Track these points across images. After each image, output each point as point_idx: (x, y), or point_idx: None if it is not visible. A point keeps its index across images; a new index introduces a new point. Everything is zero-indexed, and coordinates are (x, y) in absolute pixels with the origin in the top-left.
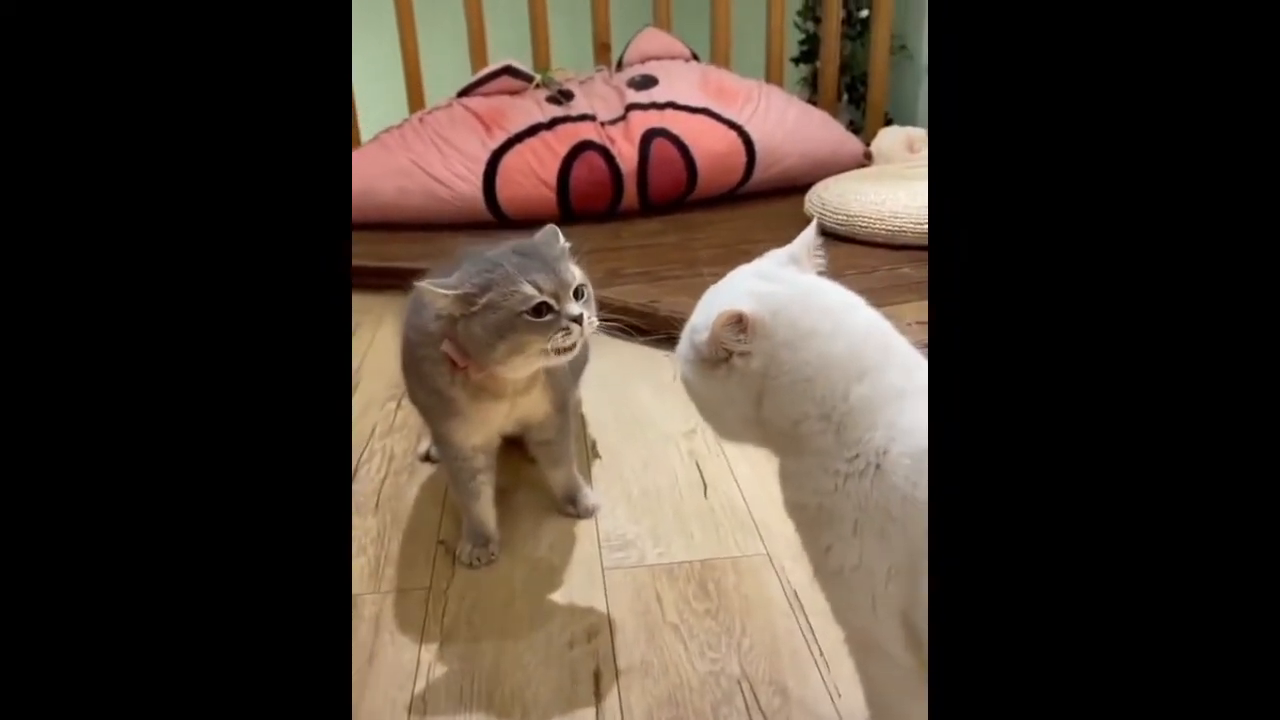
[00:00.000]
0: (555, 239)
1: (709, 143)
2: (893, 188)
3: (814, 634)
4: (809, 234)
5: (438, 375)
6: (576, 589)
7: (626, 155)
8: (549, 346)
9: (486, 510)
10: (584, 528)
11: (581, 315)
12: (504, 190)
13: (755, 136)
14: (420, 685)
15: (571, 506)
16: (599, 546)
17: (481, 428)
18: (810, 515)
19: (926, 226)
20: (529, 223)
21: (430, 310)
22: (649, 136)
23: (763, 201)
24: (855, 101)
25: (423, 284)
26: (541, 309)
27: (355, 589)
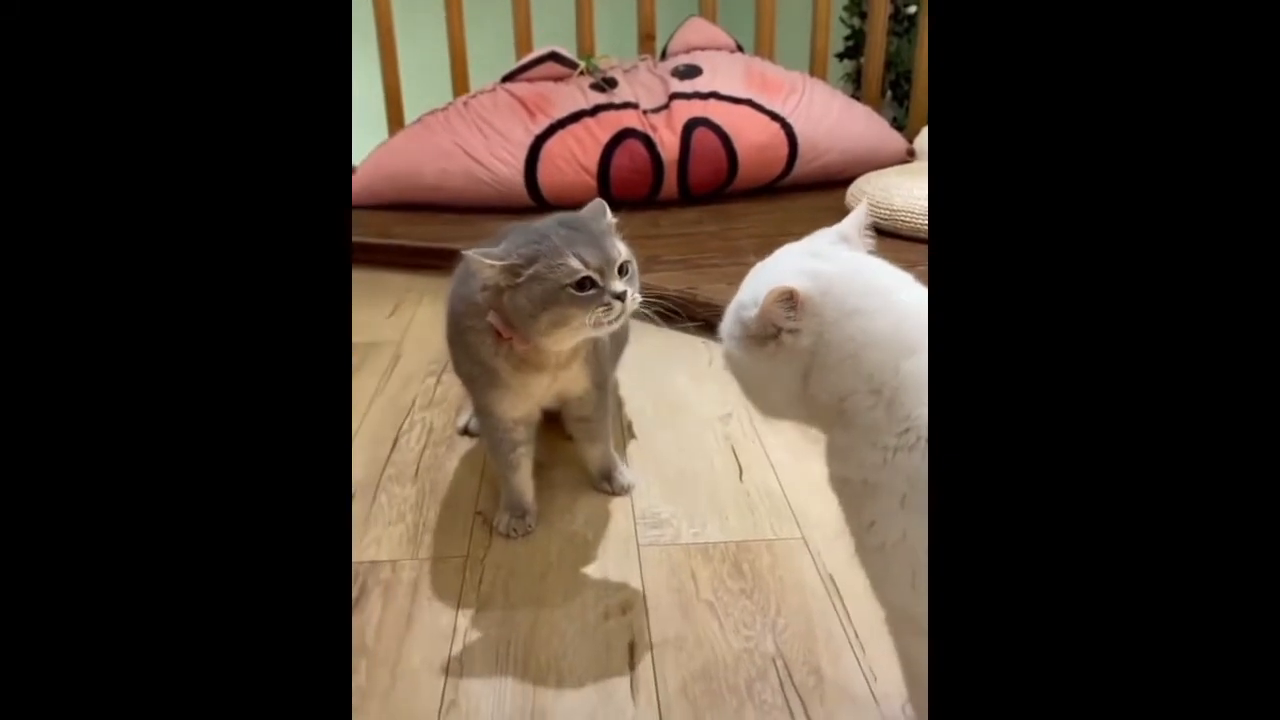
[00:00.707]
0: (603, 214)
1: (751, 134)
2: None
3: (849, 617)
4: (860, 213)
5: (482, 346)
6: (611, 564)
7: (668, 144)
8: (590, 321)
9: (525, 482)
10: (619, 505)
11: (625, 292)
12: (545, 175)
13: (798, 129)
14: (457, 648)
15: (607, 484)
16: (634, 523)
17: (523, 400)
18: (856, 489)
19: None
20: (569, 208)
21: (476, 280)
22: (691, 125)
23: (803, 194)
24: (899, 99)
25: (470, 252)
26: (585, 283)
27: (393, 555)
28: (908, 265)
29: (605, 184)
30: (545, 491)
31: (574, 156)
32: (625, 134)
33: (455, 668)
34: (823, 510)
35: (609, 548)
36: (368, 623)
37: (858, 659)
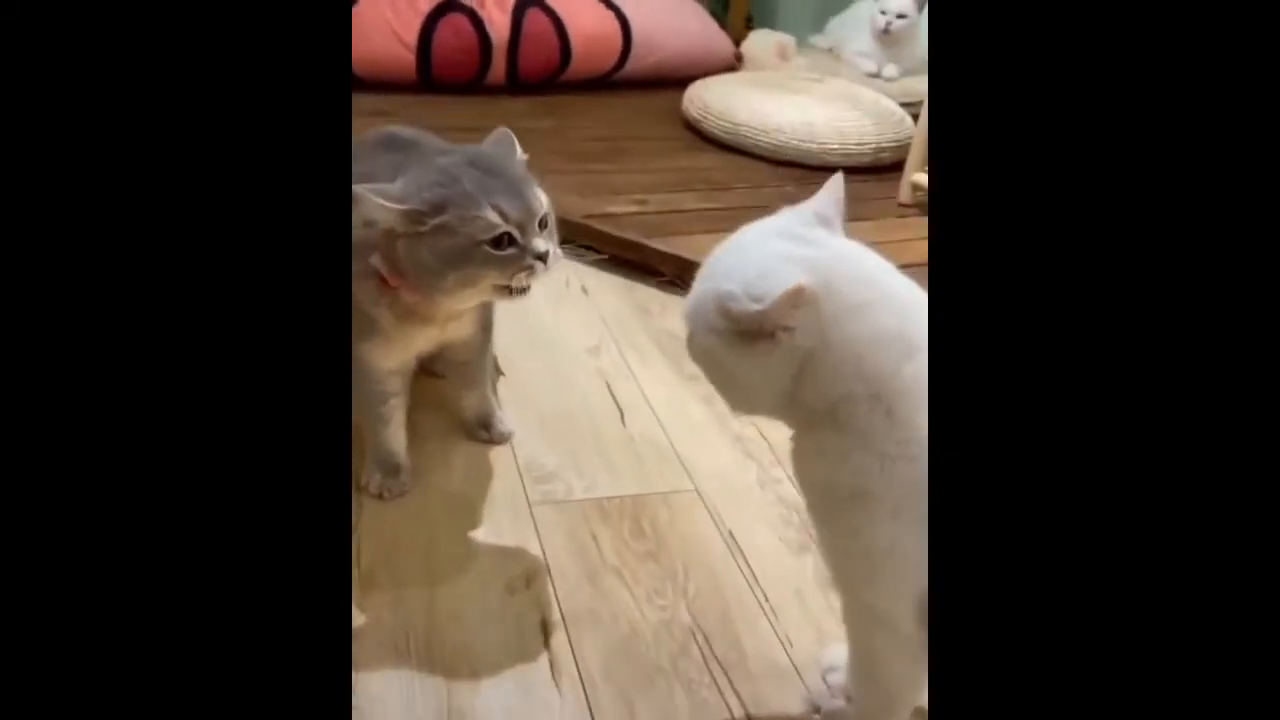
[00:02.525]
0: (512, 147)
1: (585, 21)
2: (777, 99)
3: (755, 577)
4: (837, 188)
5: (362, 291)
6: (505, 526)
7: (498, 24)
8: (510, 284)
9: (397, 436)
10: (499, 455)
11: (547, 252)
12: (356, 46)
13: (633, 22)
14: None
15: (485, 431)
16: (520, 477)
17: (402, 351)
18: (843, 495)
19: (810, 145)
20: (383, 85)
21: (358, 213)
22: (523, 6)
23: (636, 93)
24: None
25: (363, 190)
26: (503, 240)
27: None
28: (754, 185)
29: (426, 62)
30: (413, 441)
31: (389, 26)
32: (449, 6)
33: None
34: (708, 459)
35: (497, 507)
36: None
37: (772, 626)
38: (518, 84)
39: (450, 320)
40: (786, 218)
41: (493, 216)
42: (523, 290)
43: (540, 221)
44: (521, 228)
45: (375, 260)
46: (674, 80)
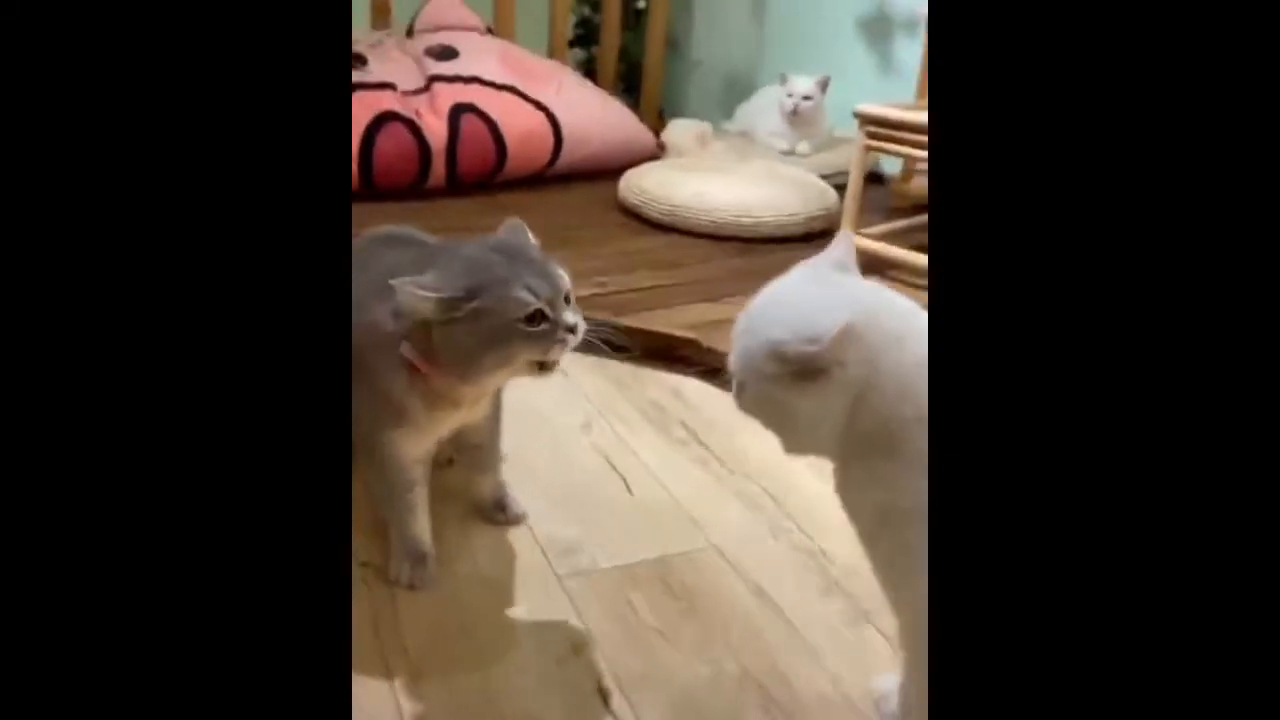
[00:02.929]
0: (526, 234)
1: (518, 122)
2: (709, 181)
3: (788, 621)
4: (849, 240)
5: (393, 382)
6: (539, 602)
7: (435, 131)
8: (546, 358)
9: (423, 524)
10: (517, 536)
11: (576, 325)
12: None
13: (562, 119)
14: None
15: (501, 514)
16: (543, 554)
17: (428, 437)
18: (899, 515)
19: (745, 219)
20: None
21: (383, 307)
22: (458, 112)
23: (570, 186)
24: (628, 90)
25: (398, 282)
26: (536, 317)
27: None
28: (702, 260)
29: (367, 170)
30: (432, 531)
31: None
32: (386, 117)
33: None
34: (718, 517)
35: (528, 585)
36: None
37: (819, 665)
38: (457, 185)
39: (475, 403)
40: (808, 269)
41: (525, 295)
42: (554, 364)
43: (565, 297)
44: (551, 304)
45: (405, 349)
46: (604, 172)
